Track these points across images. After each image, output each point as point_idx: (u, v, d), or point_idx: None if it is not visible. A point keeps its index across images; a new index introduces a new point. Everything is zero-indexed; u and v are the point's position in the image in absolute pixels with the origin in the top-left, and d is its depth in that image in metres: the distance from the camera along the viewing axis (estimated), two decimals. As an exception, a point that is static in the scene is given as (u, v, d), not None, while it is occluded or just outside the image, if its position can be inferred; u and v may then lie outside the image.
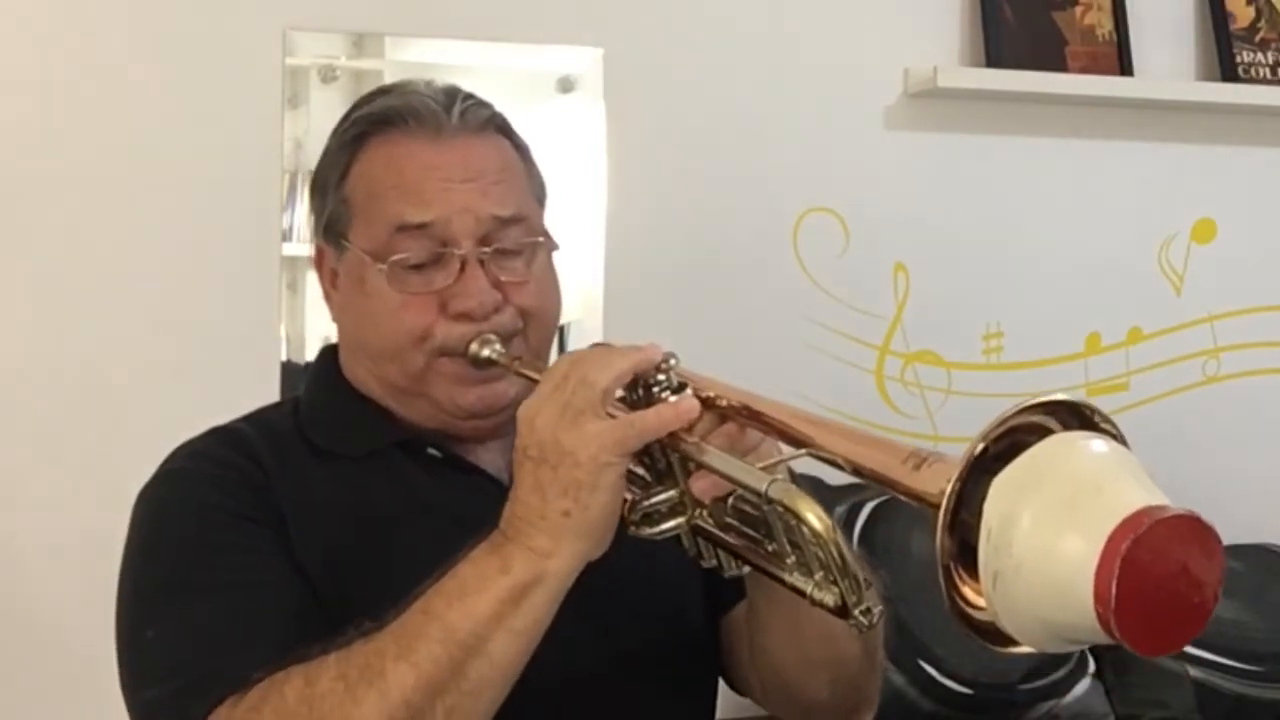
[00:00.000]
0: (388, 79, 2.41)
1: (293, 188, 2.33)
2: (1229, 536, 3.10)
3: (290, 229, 2.33)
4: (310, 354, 2.34)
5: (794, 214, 2.56)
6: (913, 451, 0.90)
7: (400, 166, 1.22)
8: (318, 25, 2.35)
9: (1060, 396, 0.86)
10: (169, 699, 1.08)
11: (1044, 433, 0.85)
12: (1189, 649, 2.40)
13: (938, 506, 0.84)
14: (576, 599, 1.06)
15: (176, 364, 2.27)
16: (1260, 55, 2.74)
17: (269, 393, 2.25)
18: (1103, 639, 0.79)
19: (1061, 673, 2.33)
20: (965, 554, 0.84)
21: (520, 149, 1.29)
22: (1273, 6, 2.76)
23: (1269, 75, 2.74)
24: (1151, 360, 2.74)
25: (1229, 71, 2.71)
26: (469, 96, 1.26)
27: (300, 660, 1.04)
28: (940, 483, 0.84)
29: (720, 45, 2.52)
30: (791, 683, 1.24)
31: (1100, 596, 0.77)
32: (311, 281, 2.34)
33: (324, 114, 2.36)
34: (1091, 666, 2.39)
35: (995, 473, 0.83)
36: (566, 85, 2.46)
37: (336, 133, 1.28)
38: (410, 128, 1.23)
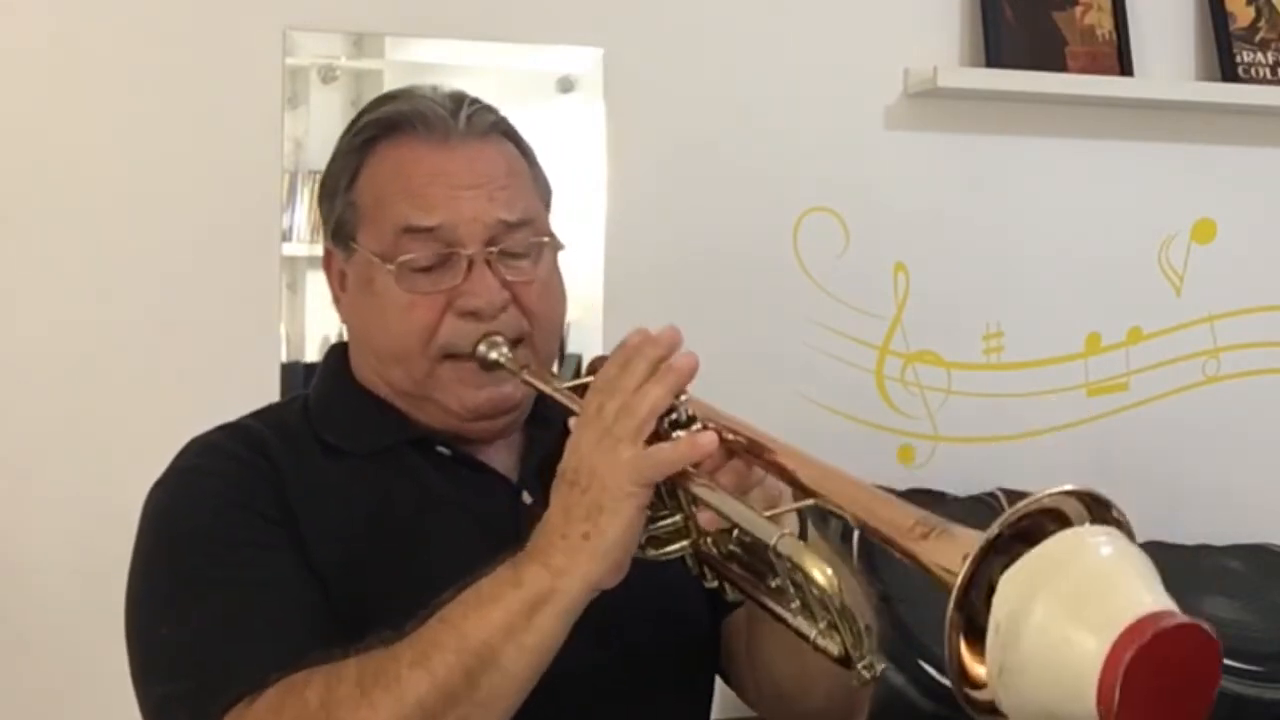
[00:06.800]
0: (388, 79, 2.42)
1: (293, 188, 2.33)
2: (1229, 536, 3.06)
3: (290, 229, 2.33)
4: (310, 354, 2.34)
5: (794, 214, 2.56)
6: (920, 519, 0.93)
7: (407, 172, 1.23)
8: (318, 25, 2.35)
9: (1071, 487, 0.89)
10: (184, 696, 1.09)
11: (1056, 518, 0.88)
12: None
13: (945, 589, 0.87)
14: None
15: (176, 364, 2.27)
16: (1260, 55, 2.74)
17: (269, 393, 2.25)
18: None
19: (1061, 673, 2.33)
20: (969, 629, 0.87)
21: (526, 152, 1.30)
22: (1273, 6, 2.76)
23: (1269, 75, 2.74)
24: (1151, 360, 2.73)
25: (1229, 71, 2.71)
26: (475, 102, 1.28)
27: (319, 663, 1.05)
28: (947, 559, 0.88)
29: (720, 45, 2.52)
30: (788, 694, 1.25)
31: (1104, 701, 0.80)
32: (311, 281, 2.35)
33: (324, 114, 2.36)
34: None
35: (1000, 551, 0.86)
36: (566, 85, 2.46)
37: (344, 137, 1.29)
38: (417, 133, 1.24)
